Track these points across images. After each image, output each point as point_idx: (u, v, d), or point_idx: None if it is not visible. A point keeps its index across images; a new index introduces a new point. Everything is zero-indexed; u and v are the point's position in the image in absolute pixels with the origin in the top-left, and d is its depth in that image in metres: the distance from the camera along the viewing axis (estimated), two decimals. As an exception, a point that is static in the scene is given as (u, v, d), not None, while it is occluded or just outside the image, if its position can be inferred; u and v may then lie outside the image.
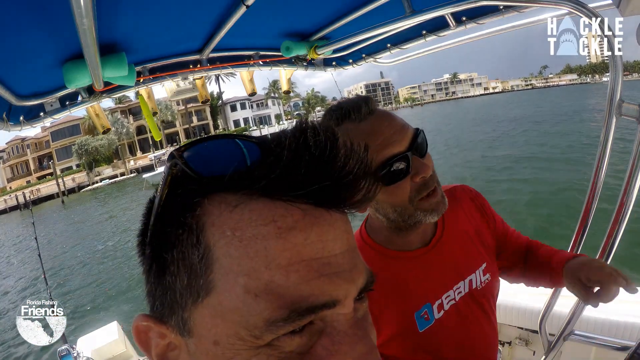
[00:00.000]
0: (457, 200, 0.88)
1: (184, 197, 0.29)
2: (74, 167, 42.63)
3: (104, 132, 1.59)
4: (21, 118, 1.34)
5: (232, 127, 50.43)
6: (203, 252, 0.28)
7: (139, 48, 1.32)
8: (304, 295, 0.27)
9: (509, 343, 1.83)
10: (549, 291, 1.21)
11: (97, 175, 39.43)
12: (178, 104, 45.58)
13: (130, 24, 1.11)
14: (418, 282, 0.77)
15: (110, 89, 1.43)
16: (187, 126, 46.07)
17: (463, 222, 0.86)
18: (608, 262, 1.03)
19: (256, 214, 0.28)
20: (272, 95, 54.33)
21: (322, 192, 0.28)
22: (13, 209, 34.06)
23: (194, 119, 47.51)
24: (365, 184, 0.30)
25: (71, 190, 35.99)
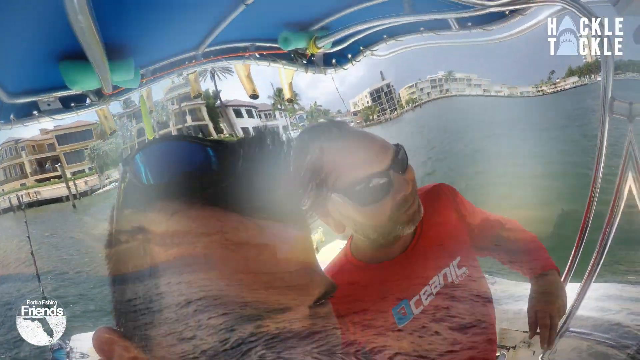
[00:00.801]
0: (435, 199, 0.89)
1: (134, 207, 0.27)
2: (87, 170, 42.40)
3: (111, 134, 1.61)
4: (11, 116, 1.30)
5: (240, 134, 49.43)
6: (150, 269, 0.26)
7: (143, 51, 1.33)
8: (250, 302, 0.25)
9: (514, 347, 1.84)
10: None
11: (107, 179, 39.71)
12: (172, 103, 44.80)
13: (135, 27, 1.13)
14: (396, 282, 0.78)
15: (117, 92, 1.44)
16: (180, 126, 44.45)
17: (440, 219, 0.86)
18: (603, 257, 1.04)
19: (198, 222, 0.26)
20: (279, 106, 54.09)
21: (285, 210, 0.27)
22: (6, 210, 33.69)
23: (188, 118, 46.23)
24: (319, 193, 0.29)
25: (83, 194, 35.81)
